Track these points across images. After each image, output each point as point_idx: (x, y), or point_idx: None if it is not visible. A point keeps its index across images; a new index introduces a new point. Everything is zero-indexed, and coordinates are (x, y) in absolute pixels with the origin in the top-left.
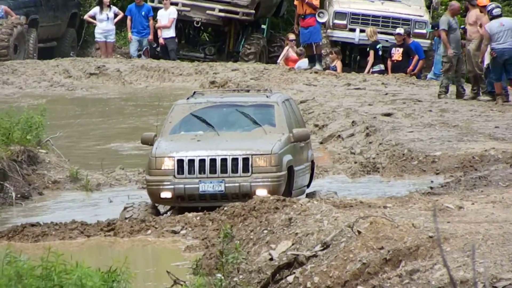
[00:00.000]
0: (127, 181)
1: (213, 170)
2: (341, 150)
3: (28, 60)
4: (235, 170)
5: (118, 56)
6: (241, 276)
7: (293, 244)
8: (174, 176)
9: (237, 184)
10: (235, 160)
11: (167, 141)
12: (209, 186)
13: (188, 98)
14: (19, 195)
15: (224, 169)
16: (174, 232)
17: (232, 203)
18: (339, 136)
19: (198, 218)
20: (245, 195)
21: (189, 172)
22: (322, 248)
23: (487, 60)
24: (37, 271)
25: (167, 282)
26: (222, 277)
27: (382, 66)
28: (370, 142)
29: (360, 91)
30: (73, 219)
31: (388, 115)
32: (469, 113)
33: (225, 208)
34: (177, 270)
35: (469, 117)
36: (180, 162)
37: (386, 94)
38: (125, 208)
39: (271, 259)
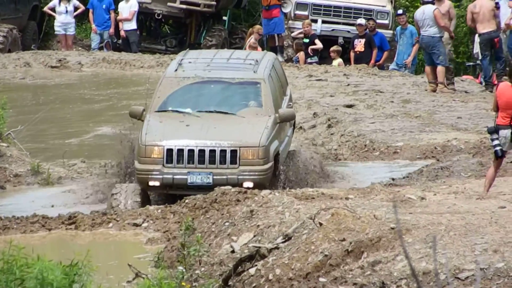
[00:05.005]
0: (88, 174)
1: (201, 161)
2: (303, 142)
3: None
4: (223, 161)
5: (80, 48)
6: (203, 269)
7: (254, 236)
8: (163, 165)
9: (224, 177)
10: (223, 152)
11: (156, 121)
12: (197, 177)
13: (176, 70)
14: None
15: (212, 160)
16: (136, 225)
17: (194, 196)
18: (300, 127)
19: (159, 210)
20: (233, 186)
21: (178, 162)
22: (283, 240)
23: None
24: None
25: (129, 275)
26: (184, 270)
27: (316, 58)
28: (332, 134)
29: (322, 82)
30: (34, 213)
31: (350, 106)
32: (431, 104)
33: (187, 201)
34: (139, 263)
35: (431, 107)
36: (169, 151)
37: (348, 85)
38: (112, 194)
39: (233, 251)
